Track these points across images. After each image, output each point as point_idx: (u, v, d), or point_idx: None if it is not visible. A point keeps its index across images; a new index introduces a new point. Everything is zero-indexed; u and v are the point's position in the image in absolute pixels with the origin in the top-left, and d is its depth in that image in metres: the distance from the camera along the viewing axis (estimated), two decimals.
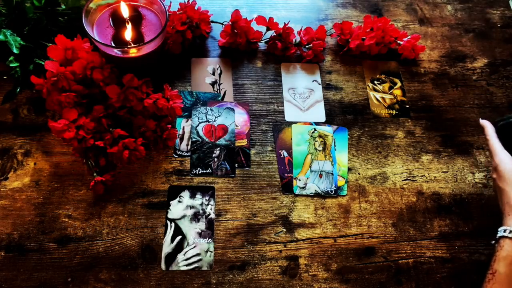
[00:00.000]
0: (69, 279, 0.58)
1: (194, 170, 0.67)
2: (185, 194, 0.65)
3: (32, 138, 0.67)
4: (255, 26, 0.77)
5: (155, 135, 0.65)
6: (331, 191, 0.68)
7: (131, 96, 0.63)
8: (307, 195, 0.67)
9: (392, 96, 0.77)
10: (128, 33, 0.67)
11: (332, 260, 0.62)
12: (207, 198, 0.65)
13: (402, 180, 0.69)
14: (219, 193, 0.66)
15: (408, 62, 0.82)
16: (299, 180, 0.68)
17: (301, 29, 0.79)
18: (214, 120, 0.72)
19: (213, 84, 0.75)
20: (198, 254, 0.61)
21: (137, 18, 0.68)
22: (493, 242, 0.57)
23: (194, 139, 0.70)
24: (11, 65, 0.65)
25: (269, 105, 0.74)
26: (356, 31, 0.78)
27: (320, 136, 0.72)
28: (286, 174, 0.68)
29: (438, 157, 0.72)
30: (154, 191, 0.65)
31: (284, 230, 0.64)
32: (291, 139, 0.71)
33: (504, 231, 0.55)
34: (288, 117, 0.73)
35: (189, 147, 0.69)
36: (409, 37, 0.80)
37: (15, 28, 0.66)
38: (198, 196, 0.65)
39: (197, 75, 0.76)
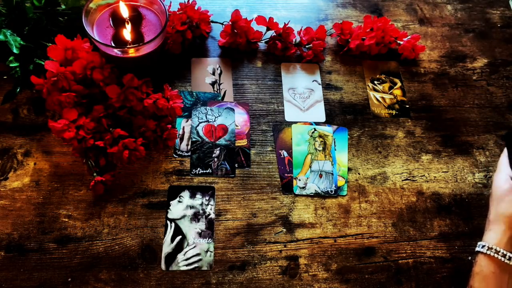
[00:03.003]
0: (69, 279, 0.58)
1: (194, 170, 0.67)
2: (185, 194, 0.65)
3: (32, 138, 0.67)
4: (255, 26, 0.77)
5: (155, 135, 0.65)
6: (331, 191, 0.68)
7: (131, 96, 0.63)
8: (307, 195, 0.67)
9: (392, 96, 0.77)
10: (128, 33, 0.67)
11: (332, 260, 0.63)
12: (207, 198, 0.65)
13: (402, 180, 0.70)
14: (219, 193, 0.66)
15: (408, 62, 0.82)
16: (299, 180, 0.68)
17: (301, 29, 0.79)
18: (214, 120, 0.72)
19: (213, 84, 0.75)
20: (198, 254, 0.61)
21: (137, 18, 0.68)
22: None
23: (194, 139, 0.70)
24: (11, 65, 0.65)
25: (269, 105, 0.74)
26: (356, 31, 0.78)
27: (320, 136, 0.72)
28: (286, 174, 0.68)
29: (438, 157, 0.72)
30: (154, 191, 0.65)
31: (284, 230, 0.64)
32: (291, 139, 0.71)
33: (480, 246, 0.55)
34: (288, 117, 0.73)
35: (189, 147, 0.69)
36: (409, 37, 0.80)
37: (15, 28, 0.66)
38: (198, 196, 0.65)
39: (197, 75, 0.76)
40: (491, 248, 0.54)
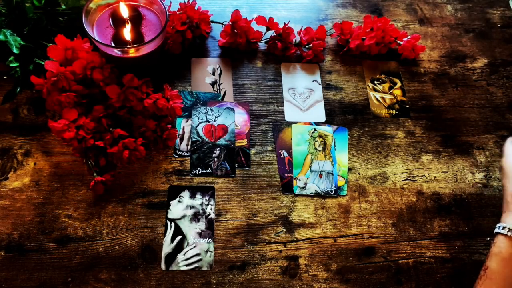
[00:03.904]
0: (69, 279, 0.58)
1: (194, 170, 0.67)
2: (185, 194, 0.65)
3: (32, 138, 0.67)
4: (255, 26, 0.77)
5: (155, 135, 0.65)
6: (331, 191, 0.68)
7: (131, 96, 0.63)
8: (307, 195, 0.67)
9: (392, 96, 0.77)
10: (128, 33, 0.67)
11: (332, 260, 0.63)
12: (207, 198, 0.65)
13: (402, 180, 0.70)
14: (219, 193, 0.66)
15: (408, 62, 0.82)
16: (299, 180, 0.68)
17: (301, 29, 0.79)
18: (214, 120, 0.72)
19: (213, 84, 0.75)
20: (198, 254, 0.61)
21: (137, 18, 0.68)
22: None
23: (194, 139, 0.70)
24: (11, 65, 0.65)
25: (269, 105, 0.74)
26: (356, 31, 0.78)
27: (320, 136, 0.72)
28: (286, 174, 0.68)
29: (438, 157, 0.72)
30: (154, 191, 0.65)
31: (284, 230, 0.64)
32: (291, 139, 0.71)
33: (499, 227, 0.55)
34: (288, 117, 0.73)
35: (189, 147, 0.69)
36: (409, 37, 0.80)
37: (15, 28, 0.66)
38: (198, 196, 0.65)
39: (197, 75, 0.76)
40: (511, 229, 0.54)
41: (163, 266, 0.60)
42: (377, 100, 0.77)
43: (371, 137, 0.73)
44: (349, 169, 0.70)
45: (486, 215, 0.68)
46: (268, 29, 0.78)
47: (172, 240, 0.62)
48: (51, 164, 0.66)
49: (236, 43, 0.77)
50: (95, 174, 0.63)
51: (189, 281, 0.59)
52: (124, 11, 0.67)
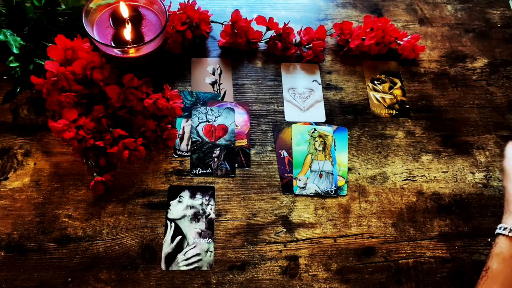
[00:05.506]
0: (69, 279, 0.58)
1: (194, 170, 0.67)
2: (185, 194, 0.65)
3: (32, 138, 0.67)
4: (255, 26, 0.77)
5: (155, 135, 0.65)
6: (331, 191, 0.68)
7: (131, 96, 0.63)
8: (307, 195, 0.67)
9: (392, 96, 0.77)
10: (128, 33, 0.67)
11: (332, 260, 0.63)
12: (207, 198, 0.65)
13: (402, 180, 0.70)
14: (219, 193, 0.66)
15: (408, 62, 0.82)
16: (299, 180, 0.68)
17: (301, 29, 0.79)
18: (214, 120, 0.72)
19: (213, 84, 0.75)
20: (198, 254, 0.61)
21: (137, 18, 0.68)
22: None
23: (194, 139, 0.70)
24: (11, 65, 0.65)
25: (269, 105, 0.74)
26: (356, 31, 0.78)
27: (320, 136, 0.72)
28: (286, 174, 0.68)
29: (438, 157, 0.72)
30: (154, 191, 0.65)
31: (284, 230, 0.64)
32: (291, 139, 0.71)
33: (500, 228, 0.55)
34: (288, 117, 0.73)
35: (189, 147, 0.69)
36: (409, 37, 0.80)
37: (15, 28, 0.66)
38: (198, 196, 0.65)
39: (197, 75, 0.76)
40: None
41: (163, 266, 0.60)
42: (377, 100, 0.77)
43: (371, 137, 0.73)
44: (349, 169, 0.70)
45: (486, 215, 0.68)
46: (268, 29, 0.78)
47: (172, 240, 0.62)
48: (51, 164, 0.66)
49: (236, 43, 0.77)
50: (95, 174, 0.63)
51: (189, 281, 0.59)
52: (124, 11, 0.67)
